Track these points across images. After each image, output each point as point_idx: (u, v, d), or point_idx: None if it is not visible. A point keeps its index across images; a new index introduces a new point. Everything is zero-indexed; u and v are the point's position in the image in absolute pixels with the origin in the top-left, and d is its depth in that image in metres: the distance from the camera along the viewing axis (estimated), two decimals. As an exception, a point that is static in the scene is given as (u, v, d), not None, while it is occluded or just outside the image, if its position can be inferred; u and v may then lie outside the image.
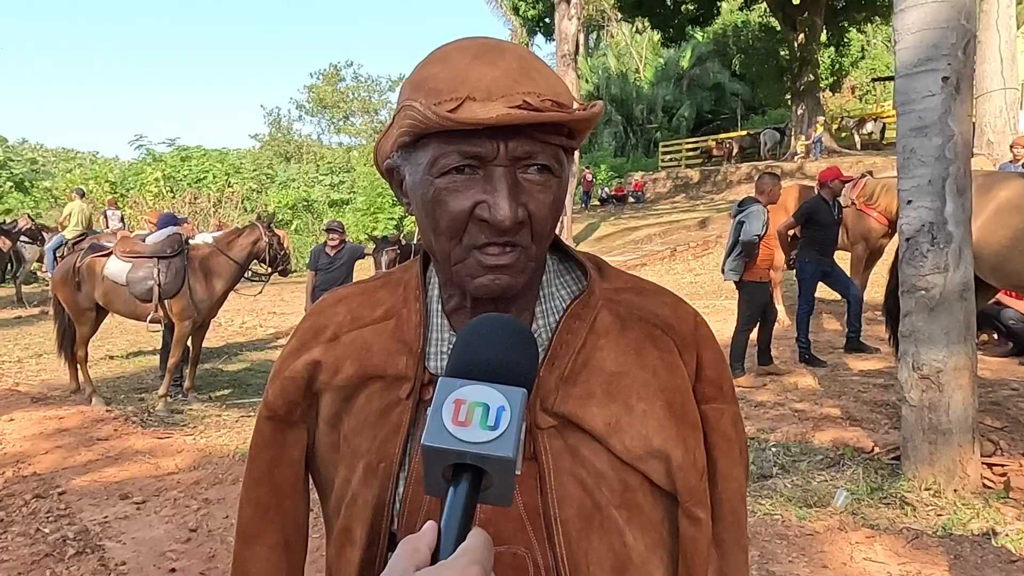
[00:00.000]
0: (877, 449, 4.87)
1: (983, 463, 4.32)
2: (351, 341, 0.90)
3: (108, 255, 7.14)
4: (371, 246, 9.45)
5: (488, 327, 0.69)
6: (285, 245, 8.02)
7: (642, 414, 0.84)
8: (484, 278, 0.81)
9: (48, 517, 4.38)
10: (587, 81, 36.55)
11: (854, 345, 7.53)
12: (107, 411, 6.77)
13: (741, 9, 28.74)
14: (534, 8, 29.25)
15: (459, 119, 0.74)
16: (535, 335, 0.87)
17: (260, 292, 8.55)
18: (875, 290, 9.22)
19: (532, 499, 0.82)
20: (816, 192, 7.57)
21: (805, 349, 7.28)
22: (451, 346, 0.84)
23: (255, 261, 7.57)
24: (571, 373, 0.84)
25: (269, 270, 7.82)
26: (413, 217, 0.87)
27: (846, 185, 7.95)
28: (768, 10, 25.94)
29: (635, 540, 0.83)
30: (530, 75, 0.80)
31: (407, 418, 0.85)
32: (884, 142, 24.26)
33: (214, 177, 25.69)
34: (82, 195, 14.32)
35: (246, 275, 7.84)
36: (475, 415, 0.63)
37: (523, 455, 0.76)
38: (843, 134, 26.68)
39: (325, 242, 8.14)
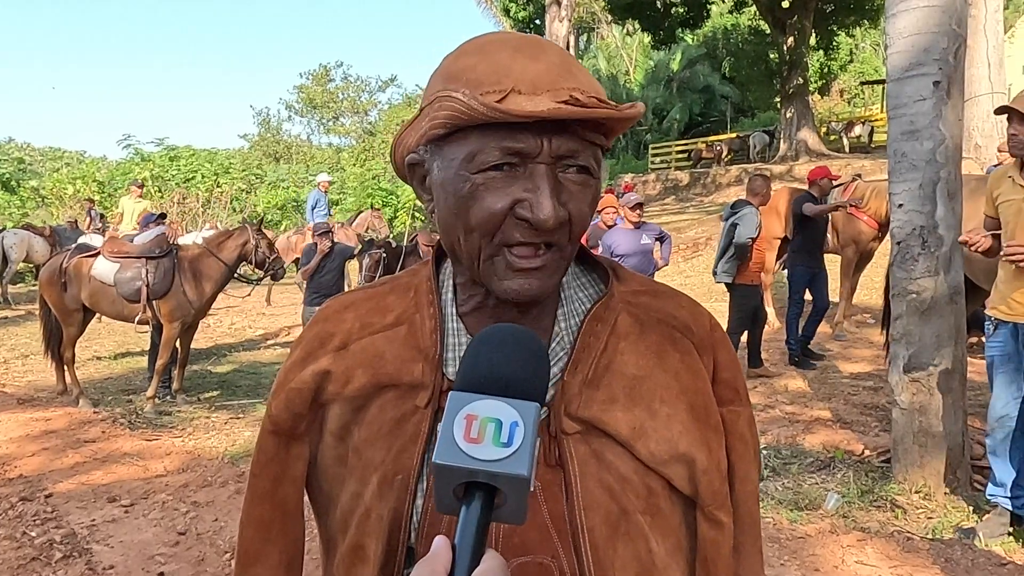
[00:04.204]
0: (867, 452, 4.88)
1: (973, 466, 4.34)
2: (361, 349, 0.87)
3: (96, 255, 7.08)
4: (360, 247, 9.42)
5: (499, 339, 0.67)
6: (276, 248, 7.95)
7: (666, 418, 0.83)
8: (513, 282, 0.78)
9: (35, 520, 4.33)
10: (577, 83, 36.53)
11: (802, 349, 7.39)
12: (95, 413, 6.71)
13: (731, 12, 28.85)
14: (525, 10, 29.21)
15: (509, 110, 0.72)
16: (557, 338, 0.85)
17: (249, 294, 8.50)
18: (864, 293, 9.26)
19: (558, 507, 0.80)
20: (806, 191, 7.57)
21: (795, 351, 7.30)
22: None
23: (246, 264, 7.52)
24: (594, 377, 0.83)
25: (260, 273, 7.77)
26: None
27: (836, 188, 7.97)
28: (758, 13, 26.04)
29: (658, 546, 0.82)
30: (571, 71, 0.78)
31: (425, 427, 0.82)
32: (872, 145, 24.40)
33: (203, 177, 25.45)
34: (142, 187, 13.55)
35: (238, 277, 7.78)
36: (488, 431, 0.61)
37: (548, 462, 0.75)
38: (832, 137, 26.83)
39: (315, 243, 8.09)
